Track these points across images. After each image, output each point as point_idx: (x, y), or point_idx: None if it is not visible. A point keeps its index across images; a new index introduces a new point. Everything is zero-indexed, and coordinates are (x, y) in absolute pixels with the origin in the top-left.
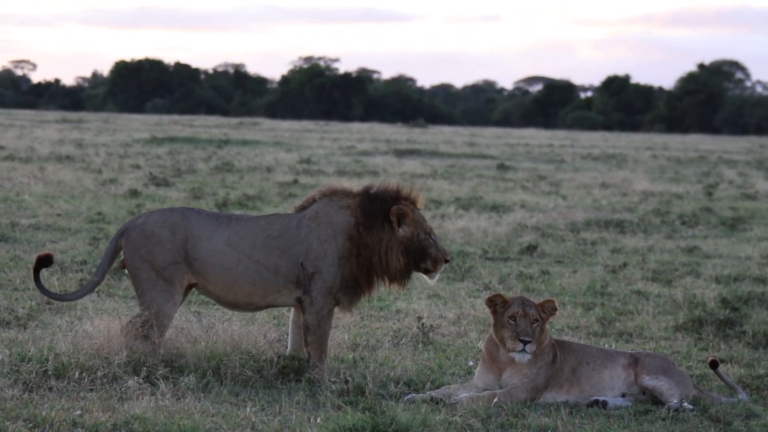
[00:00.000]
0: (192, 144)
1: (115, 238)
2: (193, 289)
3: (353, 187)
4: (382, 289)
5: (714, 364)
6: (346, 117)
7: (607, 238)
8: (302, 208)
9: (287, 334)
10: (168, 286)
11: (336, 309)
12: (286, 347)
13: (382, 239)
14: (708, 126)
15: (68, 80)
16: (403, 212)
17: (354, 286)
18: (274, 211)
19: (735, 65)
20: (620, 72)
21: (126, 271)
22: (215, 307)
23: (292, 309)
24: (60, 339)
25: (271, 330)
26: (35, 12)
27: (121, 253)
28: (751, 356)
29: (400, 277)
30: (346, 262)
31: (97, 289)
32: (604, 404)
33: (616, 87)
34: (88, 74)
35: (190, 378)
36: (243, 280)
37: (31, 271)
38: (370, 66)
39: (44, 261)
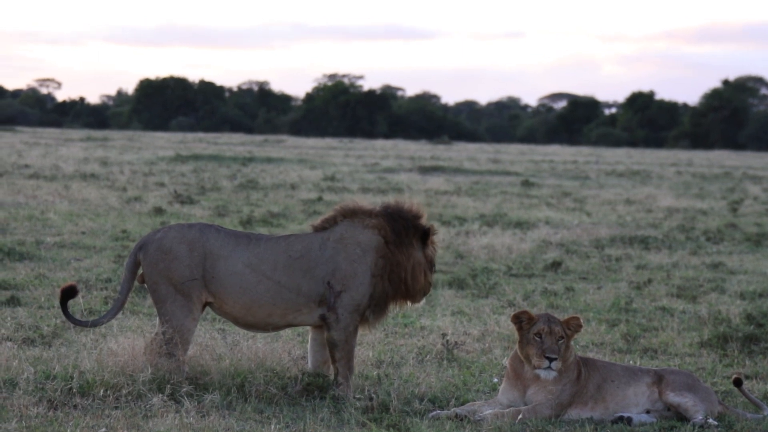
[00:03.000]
0: (216, 162)
1: (134, 253)
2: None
3: (371, 206)
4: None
5: (738, 383)
6: (370, 134)
7: (632, 254)
8: (322, 228)
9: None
10: (186, 301)
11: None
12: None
13: (411, 257)
14: (732, 142)
15: (93, 98)
16: (435, 232)
17: (383, 303)
18: (299, 229)
19: (760, 81)
20: (644, 88)
21: (146, 286)
22: None
23: (311, 328)
24: (85, 357)
25: (295, 347)
26: (60, 30)
27: (141, 267)
28: None
29: (420, 295)
30: (379, 280)
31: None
32: (629, 421)
33: (641, 103)
34: (112, 92)
35: (215, 395)
36: (263, 301)
37: (59, 303)
38: (394, 83)
39: (69, 293)
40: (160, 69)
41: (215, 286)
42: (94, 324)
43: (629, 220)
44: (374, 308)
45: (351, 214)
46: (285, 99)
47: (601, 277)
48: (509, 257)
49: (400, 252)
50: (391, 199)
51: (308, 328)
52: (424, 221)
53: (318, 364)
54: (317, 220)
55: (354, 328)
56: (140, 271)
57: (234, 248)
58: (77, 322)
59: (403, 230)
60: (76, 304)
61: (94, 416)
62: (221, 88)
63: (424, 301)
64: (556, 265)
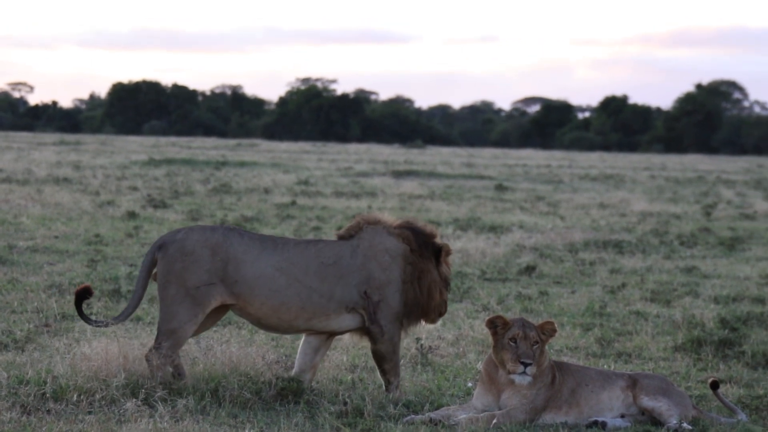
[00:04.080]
0: (190, 166)
1: (152, 252)
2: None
3: (391, 218)
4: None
5: (715, 386)
6: (343, 138)
7: (606, 258)
8: (348, 236)
9: (286, 356)
10: (193, 306)
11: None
12: (285, 368)
13: (430, 270)
14: (706, 146)
15: (66, 102)
16: (450, 251)
17: (416, 310)
18: (274, 233)
19: (733, 85)
20: (618, 92)
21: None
22: (214, 328)
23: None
24: (58, 362)
25: (269, 352)
26: (32, 34)
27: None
28: (750, 376)
29: (436, 314)
30: (410, 286)
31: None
32: (604, 425)
33: (614, 107)
34: (85, 96)
35: (189, 400)
36: (291, 304)
37: (74, 304)
38: (367, 87)
39: (83, 294)
40: (133, 73)
41: (240, 289)
42: (109, 324)
43: (603, 224)
44: (408, 315)
45: (374, 222)
46: (258, 103)
47: (575, 281)
48: (483, 261)
49: (422, 262)
50: (414, 218)
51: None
52: (438, 240)
53: (305, 368)
54: (341, 229)
55: (398, 338)
56: (154, 270)
57: (261, 251)
58: (92, 323)
59: (423, 244)
60: (50, 309)
61: (68, 421)
62: (194, 92)
63: (439, 322)
64: (530, 270)
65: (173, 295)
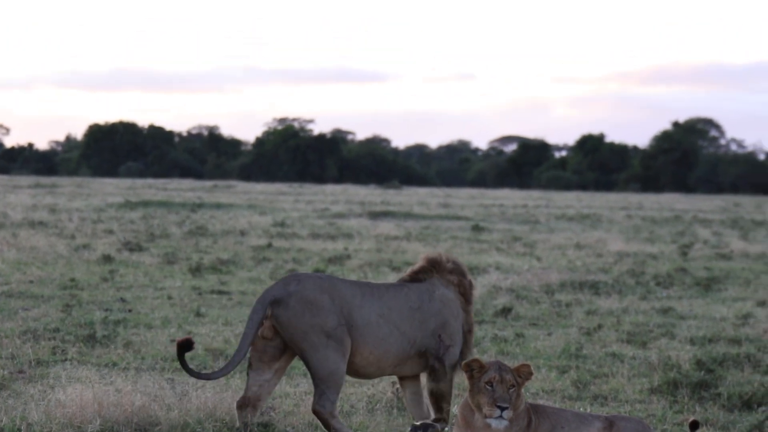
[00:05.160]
0: (166, 208)
1: (263, 309)
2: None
3: (446, 259)
4: None
5: (694, 426)
6: (320, 178)
7: (582, 299)
8: (417, 279)
9: (260, 400)
10: (338, 346)
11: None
12: (261, 414)
13: (472, 318)
14: (683, 184)
15: (42, 144)
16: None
17: (465, 353)
18: (249, 277)
19: (709, 123)
20: (595, 131)
21: (286, 338)
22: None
23: (408, 382)
24: (32, 408)
25: None
26: (9, 75)
27: (265, 321)
28: (726, 418)
29: (467, 356)
30: (468, 335)
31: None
32: None
33: (591, 146)
34: (61, 138)
35: None
36: (391, 351)
37: (177, 357)
38: (344, 127)
39: (186, 346)
40: (109, 114)
41: (354, 335)
42: (211, 376)
43: (579, 265)
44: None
45: (438, 267)
46: (235, 143)
47: (551, 323)
48: None
49: (468, 311)
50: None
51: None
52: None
53: (423, 415)
54: (408, 271)
55: (452, 381)
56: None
57: (363, 298)
58: (197, 375)
59: (468, 289)
60: (25, 354)
61: None
62: (171, 133)
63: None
64: (506, 311)
65: (316, 342)
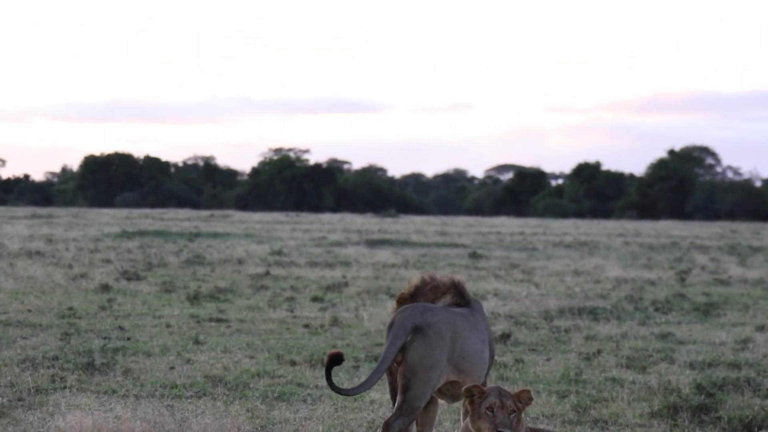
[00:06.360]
0: (163, 237)
1: (404, 334)
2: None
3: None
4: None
5: None
6: (316, 208)
7: (581, 325)
8: (467, 303)
9: (261, 427)
10: (437, 383)
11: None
12: None
13: None
14: (679, 212)
15: (38, 175)
16: None
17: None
18: (247, 305)
19: (705, 151)
20: (591, 159)
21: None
22: (189, 400)
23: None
24: None
25: (244, 423)
26: (5, 108)
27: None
28: None
29: None
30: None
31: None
32: None
33: (587, 174)
34: (57, 169)
35: None
36: (485, 375)
37: (325, 369)
38: (340, 156)
39: (336, 360)
40: (105, 145)
41: (466, 365)
42: (350, 392)
43: (578, 291)
44: None
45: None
46: (231, 174)
47: (550, 348)
48: None
49: None
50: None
51: (260, 401)
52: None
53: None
54: (449, 297)
55: None
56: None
57: (465, 324)
58: (338, 390)
59: None
60: (24, 382)
61: None
62: (166, 164)
63: None
64: (505, 337)
65: (432, 377)
